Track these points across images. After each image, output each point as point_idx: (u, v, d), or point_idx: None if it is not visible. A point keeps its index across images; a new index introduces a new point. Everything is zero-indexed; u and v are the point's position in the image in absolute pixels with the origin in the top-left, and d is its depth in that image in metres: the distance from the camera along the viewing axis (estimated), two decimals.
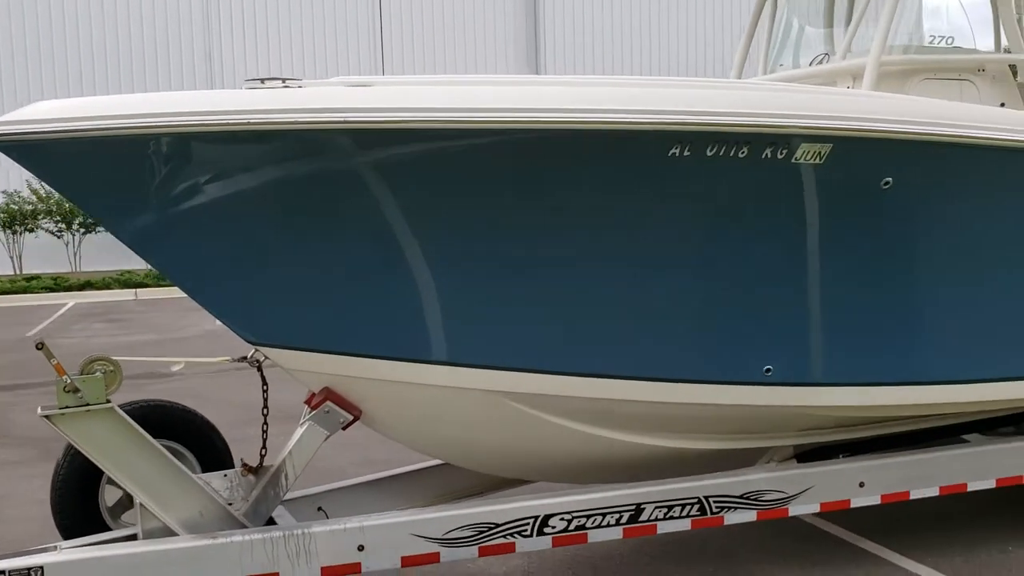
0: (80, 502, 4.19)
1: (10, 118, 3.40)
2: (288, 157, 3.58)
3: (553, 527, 4.14)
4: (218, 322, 3.88)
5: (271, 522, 4.10)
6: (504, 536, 4.09)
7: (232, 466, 4.44)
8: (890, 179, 3.83)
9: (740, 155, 3.60)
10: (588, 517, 4.18)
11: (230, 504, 4.04)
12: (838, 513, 4.79)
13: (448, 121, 3.42)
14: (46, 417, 3.68)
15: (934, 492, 4.67)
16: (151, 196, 3.58)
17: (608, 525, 4.21)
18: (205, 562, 3.74)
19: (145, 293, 19.75)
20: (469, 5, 28.98)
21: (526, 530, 4.11)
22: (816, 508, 4.50)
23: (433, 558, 4.03)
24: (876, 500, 4.57)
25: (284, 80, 3.42)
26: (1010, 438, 5.08)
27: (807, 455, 4.85)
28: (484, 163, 3.64)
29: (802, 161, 3.69)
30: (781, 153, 3.64)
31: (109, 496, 4.29)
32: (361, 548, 3.92)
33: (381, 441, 4.56)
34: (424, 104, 3.43)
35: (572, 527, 4.16)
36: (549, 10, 31.09)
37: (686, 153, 3.55)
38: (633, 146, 3.57)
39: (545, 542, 4.15)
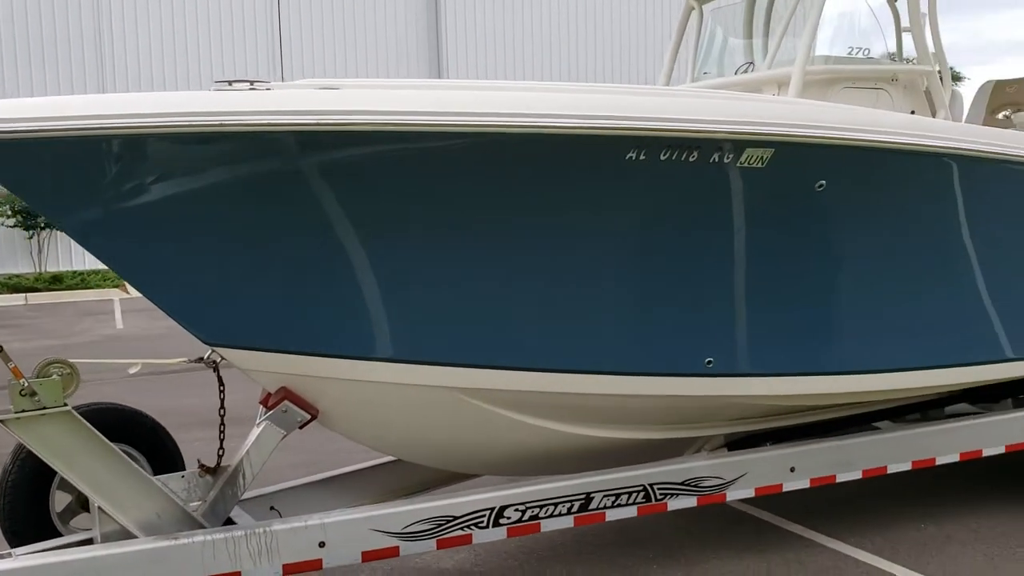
0: (30, 508, 4.11)
1: None
2: (248, 158, 3.60)
3: (508, 518, 4.26)
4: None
5: (229, 522, 4.10)
6: (462, 528, 4.19)
7: (183, 467, 4.42)
8: (824, 182, 4.11)
9: (691, 159, 3.81)
10: (541, 507, 4.32)
11: (187, 505, 4.02)
12: (763, 499, 5.03)
13: (420, 124, 3.51)
14: (1, 422, 3.61)
15: (857, 475, 4.98)
16: (109, 196, 3.56)
17: (560, 514, 4.36)
18: (167, 563, 3.73)
19: (35, 298, 19.04)
20: (370, 8, 28.85)
21: (482, 522, 4.22)
22: (751, 493, 4.74)
23: (392, 552, 4.11)
24: (806, 484, 4.85)
25: (252, 82, 3.45)
26: (921, 423, 5.46)
27: (737, 444, 5.12)
28: (441, 165, 3.74)
29: (745, 165, 3.92)
30: (728, 157, 3.87)
31: (58, 502, 4.21)
32: (322, 544, 3.96)
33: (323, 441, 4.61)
34: (395, 107, 3.51)
35: (526, 517, 4.29)
36: (451, 11, 31.26)
37: (642, 157, 3.73)
38: (591, 150, 3.73)
39: (500, 533, 4.27)
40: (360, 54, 28.57)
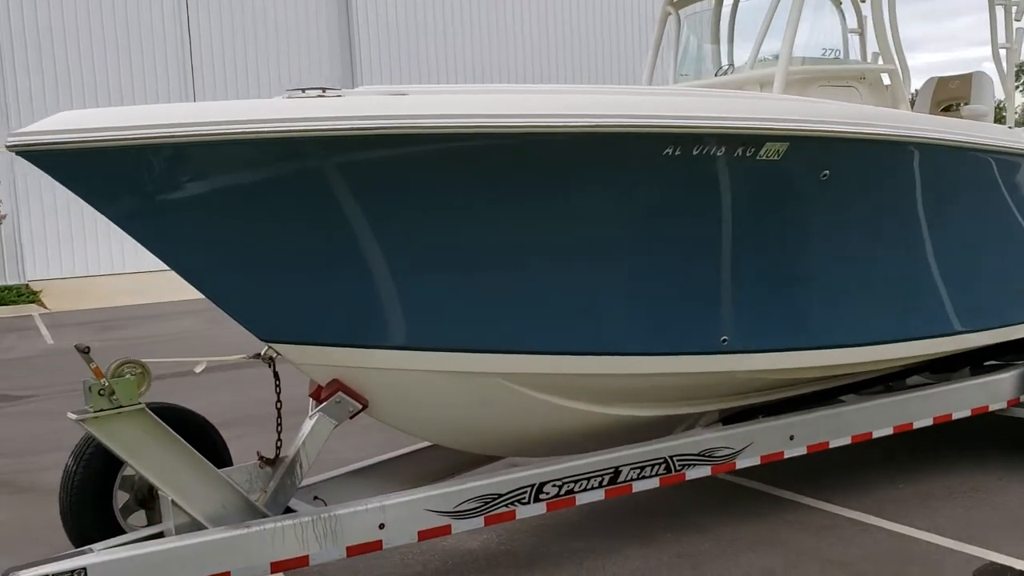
0: (95, 507, 4.20)
1: (47, 127, 3.47)
2: (307, 161, 3.81)
3: (547, 493, 4.55)
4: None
5: (288, 511, 4.28)
6: (506, 504, 4.46)
7: (231, 463, 4.57)
8: (828, 171, 4.53)
9: (718, 154, 4.18)
10: (576, 482, 4.62)
11: (250, 495, 4.19)
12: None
13: (483, 127, 3.78)
14: (80, 421, 3.73)
15: (847, 441, 5.43)
16: (176, 201, 3.72)
17: (592, 488, 4.67)
18: (240, 551, 3.90)
19: None
20: (280, 9, 28.62)
21: (524, 497, 4.50)
22: (757, 460, 5.13)
23: (445, 531, 4.36)
24: (803, 450, 5.28)
25: (324, 89, 3.66)
26: (899, 392, 5.95)
27: (730, 419, 5.52)
28: (488, 164, 4.01)
29: (763, 158, 4.31)
30: (750, 152, 4.25)
31: (119, 500, 4.32)
32: (382, 526, 4.19)
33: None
34: (462, 111, 3.77)
35: (563, 492, 4.59)
36: (363, 10, 31.27)
37: (677, 152, 4.08)
38: (630, 147, 4.06)
39: (540, 508, 4.56)
40: (272, 56, 28.23)
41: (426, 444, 5.26)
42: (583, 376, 4.53)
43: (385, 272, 4.16)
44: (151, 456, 3.89)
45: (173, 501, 3.98)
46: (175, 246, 3.86)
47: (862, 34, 7.35)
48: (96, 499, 4.22)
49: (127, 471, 4.32)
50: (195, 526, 4.03)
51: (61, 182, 3.62)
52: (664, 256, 4.48)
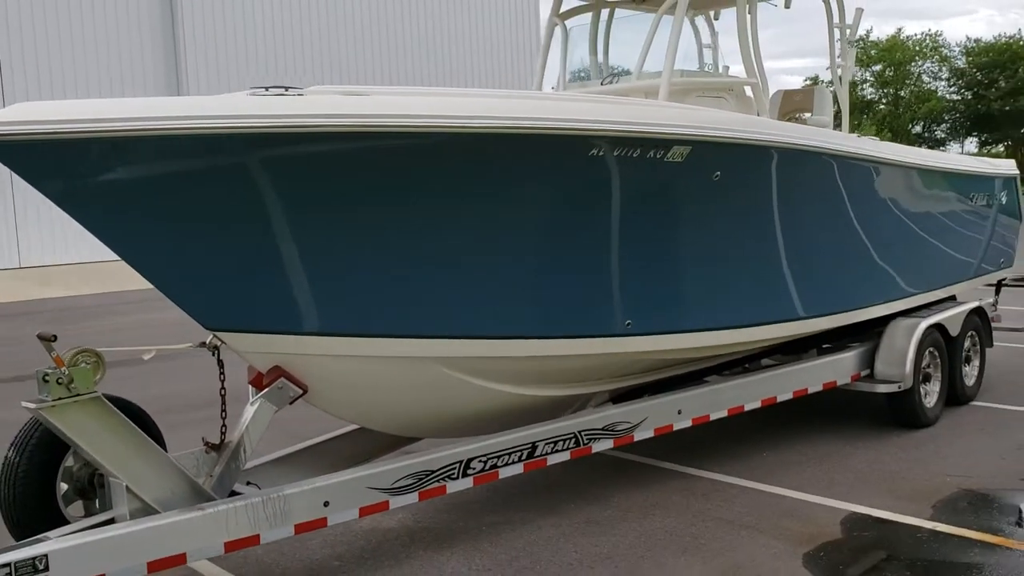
0: (40, 498, 4.19)
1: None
2: (257, 156, 3.99)
3: (474, 468, 4.89)
4: None
5: (232, 494, 4.42)
6: (438, 480, 4.77)
7: (166, 449, 4.64)
8: (719, 172, 5.10)
9: (633, 155, 4.65)
10: (499, 457, 4.99)
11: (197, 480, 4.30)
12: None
13: (436, 127, 4.09)
14: (38, 410, 3.76)
15: (724, 414, 6.06)
16: (133, 194, 3.83)
17: (512, 463, 5.05)
18: (196, 533, 4.03)
19: None
20: (100, 15, 27.40)
21: (454, 473, 4.82)
22: (651, 433, 5.66)
23: (384, 506, 4.62)
24: (688, 423, 5.85)
25: (286, 88, 3.86)
26: (757, 372, 6.66)
27: (618, 399, 6.05)
28: (435, 162, 4.31)
29: (670, 160, 4.82)
30: (659, 154, 4.75)
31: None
32: (327, 504, 4.41)
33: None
34: (414, 111, 4.06)
35: (488, 467, 4.94)
36: (188, 12, 30.41)
37: (601, 154, 4.52)
38: (560, 148, 4.47)
39: (468, 483, 4.89)
40: (91, 61, 26.96)
41: (340, 432, 5.49)
42: (512, 359, 4.90)
43: (325, 262, 4.37)
44: (106, 443, 3.96)
45: (127, 487, 4.05)
46: (126, 237, 3.95)
47: (715, 49, 8.09)
48: (40, 490, 4.21)
49: (68, 462, 4.33)
50: (146, 511, 4.11)
51: (21, 175, 3.65)
52: (585, 248, 4.92)
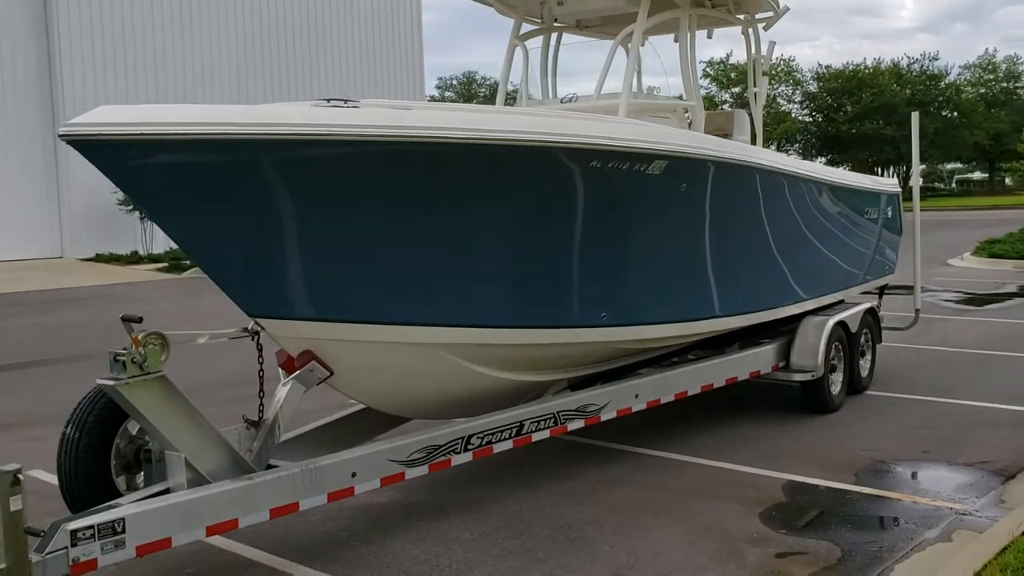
0: (97, 473, 4.49)
1: (95, 119, 3.89)
2: (311, 165, 4.44)
3: (473, 444, 5.44)
4: None
5: (269, 467, 4.83)
6: (445, 454, 5.30)
7: None
8: (686, 183, 5.85)
9: (623, 167, 5.33)
10: (493, 434, 5.55)
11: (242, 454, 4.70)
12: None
13: (475, 138, 4.65)
14: (116, 387, 4.11)
15: (671, 398, 6.80)
16: (199, 194, 4.23)
17: (504, 439, 5.62)
18: (247, 501, 4.44)
19: None
20: None
21: (457, 447, 5.36)
22: (614, 414, 6.34)
23: (400, 477, 5.11)
24: (644, 405, 6.56)
25: (345, 101, 4.34)
26: (694, 362, 7.44)
27: (576, 386, 6.71)
28: (442, 171, 4.85)
29: (651, 172, 5.52)
30: (643, 167, 5.44)
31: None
32: (354, 475, 4.88)
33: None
34: (464, 124, 4.62)
35: (484, 443, 5.50)
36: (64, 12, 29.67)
37: (598, 165, 5.18)
38: (560, 160, 5.10)
39: (468, 456, 5.43)
40: None
41: (339, 416, 5.95)
42: (508, 347, 5.48)
43: (354, 257, 4.84)
44: (169, 418, 4.33)
45: (186, 459, 4.42)
46: (191, 232, 4.35)
47: (639, 72, 8.90)
48: (98, 466, 4.51)
49: (117, 439, 4.64)
50: (198, 482, 4.48)
51: (103, 171, 4.01)
52: (576, 247, 5.55)
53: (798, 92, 74.96)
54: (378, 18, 40.52)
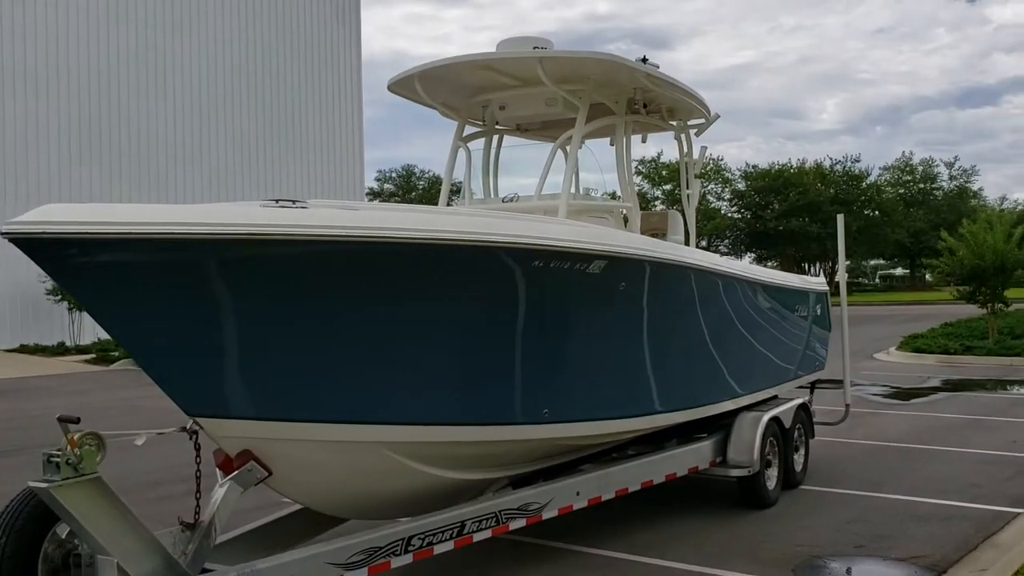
0: None
1: (38, 218, 3.89)
2: (240, 262, 4.47)
3: (414, 545, 5.38)
4: None
5: (205, 571, 4.71)
6: (384, 556, 5.22)
7: None
8: (624, 283, 6.00)
9: (563, 267, 5.46)
10: (434, 535, 5.50)
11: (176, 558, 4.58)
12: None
13: (414, 239, 4.74)
14: (48, 489, 4.00)
15: (612, 495, 6.83)
16: (141, 293, 4.22)
17: (445, 540, 5.57)
18: None
19: None
20: None
21: (397, 549, 5.29)
22: (555, 513, 6.33)
23: None
24: (585, 503, 6.57)
25: (294, 201, 4.40)
26: (633, 458, 7.49)
27: (517, 484, 6.71)
28: (382, 270, 4.92)
29: (590, 271, 5.66)
30: (583, 266, 5.58)
31: None
32: None
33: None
34: (403, 225, 4.70)
35: (425, 544, 5.44)
36: None
37: (540, 264, 5.30)
38: (501, 260, 5.21)
39: (408, 558, 5.36)
40: None
41: (276, 516, 5.84)
42: (453, 444, 5.48)
43: (292, 356, 4.84)
44: (103, 521, 4.22)
45: (118, 564, 4.29)
46: (130, 331, 4.32)
47: (577, 173, 9.16)
48: (25, 571, 4.35)
49: (46, 545, 4.49)
50: None
51: (42, 267, 3.99)
52: (519, 345, 5.62)
53: (727, 190, 77.41)
54: (321, 113, 41.13)
